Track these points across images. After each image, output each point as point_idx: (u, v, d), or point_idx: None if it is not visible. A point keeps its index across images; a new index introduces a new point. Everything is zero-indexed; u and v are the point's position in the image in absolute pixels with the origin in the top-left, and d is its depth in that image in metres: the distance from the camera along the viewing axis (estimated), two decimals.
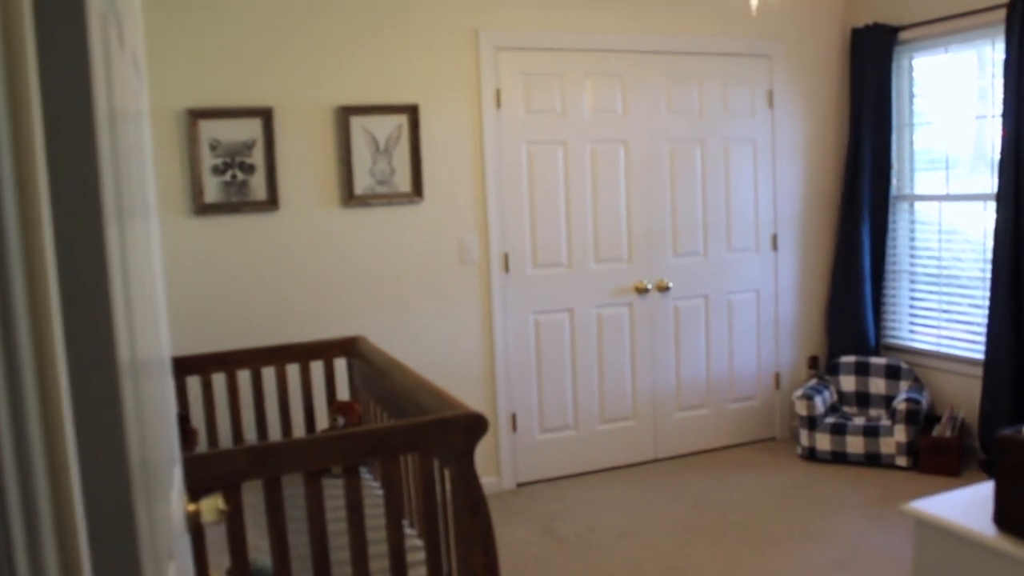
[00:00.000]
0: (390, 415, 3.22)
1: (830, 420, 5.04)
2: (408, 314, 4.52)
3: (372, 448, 2.35)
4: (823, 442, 5.00)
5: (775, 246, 5.39)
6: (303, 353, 3.81)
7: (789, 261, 5.44)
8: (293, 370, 3.96)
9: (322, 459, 2.29)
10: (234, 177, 4.10)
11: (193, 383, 3.76)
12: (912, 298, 5.38)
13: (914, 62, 5.20)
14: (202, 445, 3.75)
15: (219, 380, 3.83)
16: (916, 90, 5.23)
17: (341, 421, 3.66)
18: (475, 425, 2.41)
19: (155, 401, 1.13)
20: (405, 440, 2.37)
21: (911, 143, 5.29)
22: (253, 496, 2.92)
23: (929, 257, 5.26)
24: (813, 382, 5.27)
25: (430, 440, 2.39)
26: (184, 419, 3.54)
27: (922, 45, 5.09)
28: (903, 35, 5.09)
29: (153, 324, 1.24)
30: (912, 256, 5.36)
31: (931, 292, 5.26)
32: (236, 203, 4.12)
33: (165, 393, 1.36)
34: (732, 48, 5.14)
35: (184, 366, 3.64)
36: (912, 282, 5.38)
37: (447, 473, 2.50)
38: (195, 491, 2.15)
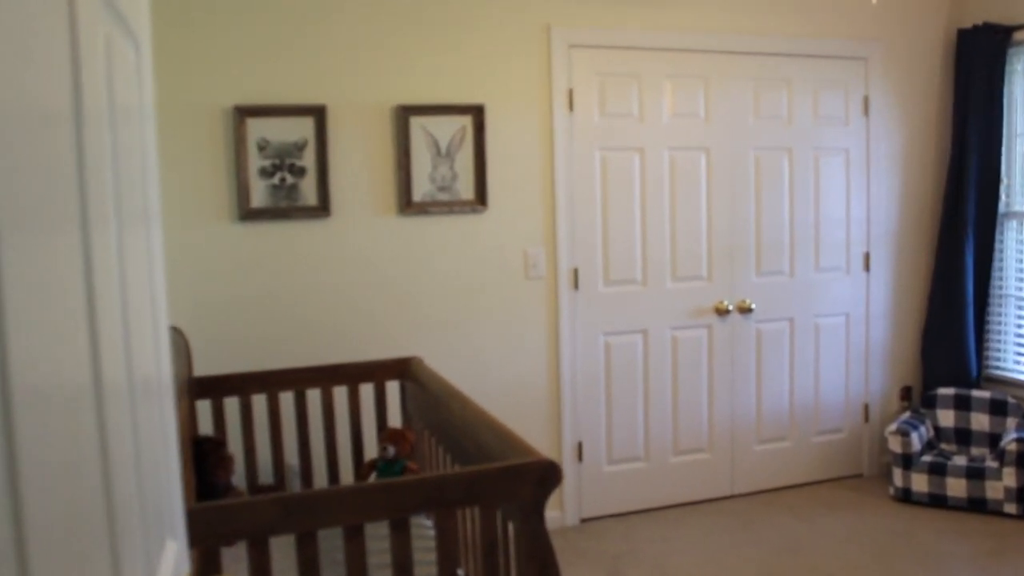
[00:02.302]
0: (446, 449, 2.86)
1: (927, 459, 4.56)
2: (468, 332, 4.16)
3: (425, 500, 1.98)
4: (919, 483, 4.52)
5: (867, 266, 4.92)
6: (352, 374, 3.47)
7: (882, 283, 4.97)
8: (341, 393, 3.62)
9: (364, 512, 1.94)
10: (283, 180, 3.79)
11: (231, 405, 3.44)
12: (1020, 326, 4.87)
13: None
14: (239, 473, 3.43)
15: (260, 402, 3.50)
16: None
17: (392, 451, 3.31)
18: (547, 475, 2.03)
19: (99, 442, 0.78)
20: (464, 492, 2.01)
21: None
22: (285, 541, 2.58)
23: None
24: (907, 415, 4.79)
25: (493, 492, 2.02)
26: (220, 445, 3.22)
27: None
28: (1018, 35, 4.61)
29: (120, 343, 0.89)
30: (1021, 279, 4.86)
31: None
32: (285, 208, 3.80)
33: (142, 432, 1.01)
34: (825, 50, 4.70)
35: (222, 386, 3.33)
36: (1020, 308, 4.87)
37: (511, 526, 2.13)
38: (216, 545, 1.81)
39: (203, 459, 3.20)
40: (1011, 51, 4.67)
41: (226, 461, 3.23)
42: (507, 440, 2.26)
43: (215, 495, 3.20)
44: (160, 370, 1.25)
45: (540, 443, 4.33)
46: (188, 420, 3.20)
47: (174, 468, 1.35)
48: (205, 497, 3.18)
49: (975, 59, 4.72)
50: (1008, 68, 4.69)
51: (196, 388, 3.31)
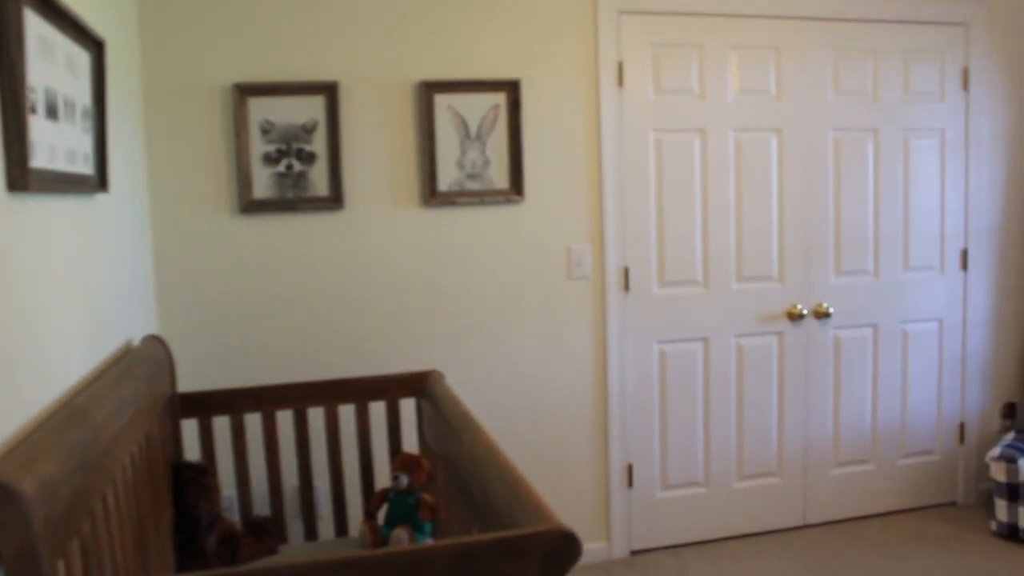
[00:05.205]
0: (456, 490, 2.37)
1: None
2: (502, 340, 3.66)
3: None
4: None
5: (965, 265, 4.29)
6: (361, 391, 3.00)
7: (982, 284, 4.33)
8: (347, 412, 3.16)
9: None
10: (290, 168, 3.33)
11: (221, 425, 2.99)
12: None
13: None
14: (231, 506, 2.99)
15: (253, 422, 3.06)
16: None
17: (405, 480, 2.83)
18: (560, 550, 1.52)
19: None
20: (448, 572, 1.51)
21: None
22: None
23: None
24: (1010, 437, 4.16)
25: (488, 571, 1.52)
26: (203, 472, 2.78)
27: None
28: None
29: None
30: None
31: None
32: (292, 200, 3.35)
33: None
34: (918, 13, 4.09)
35: (211, 403, 2.88)
36: None
37: None
38: None
39: (184, 489, 2.76)
40: None
41: (210, 491, 2.78)
42: (517, 492, 1.76)
43: (196, 530, 2.76)
44: None
45: (584, 466, 3.82)
46: (170, 442, 2.77)
47: None
48: (185, 533, 2.75)
49: None
50: None
51: (181, 405, 2.88)
